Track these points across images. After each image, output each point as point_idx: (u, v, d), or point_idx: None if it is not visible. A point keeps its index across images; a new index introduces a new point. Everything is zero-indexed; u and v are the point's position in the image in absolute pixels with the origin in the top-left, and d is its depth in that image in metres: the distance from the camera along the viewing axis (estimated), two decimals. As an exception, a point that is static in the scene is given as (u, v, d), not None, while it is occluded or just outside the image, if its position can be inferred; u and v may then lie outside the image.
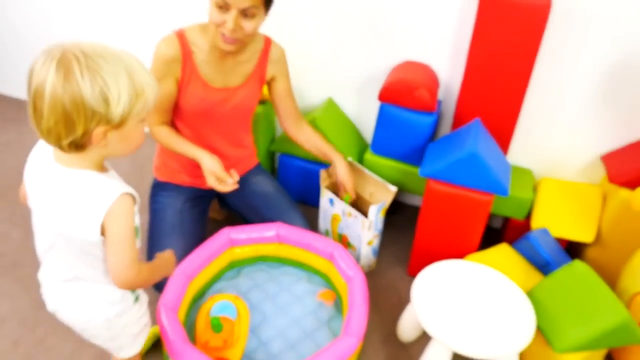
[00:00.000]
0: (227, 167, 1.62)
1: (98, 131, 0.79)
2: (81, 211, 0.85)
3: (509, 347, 1.16)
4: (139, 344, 1.14)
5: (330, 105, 1.92)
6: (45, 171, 0.88)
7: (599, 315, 1.22)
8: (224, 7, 1.26)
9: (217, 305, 1.39)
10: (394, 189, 1.59)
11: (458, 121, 1.71)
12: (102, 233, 0.87)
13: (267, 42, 1.51)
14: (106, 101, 0.77)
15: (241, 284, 1.56)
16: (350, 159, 1.72)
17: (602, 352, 1.33)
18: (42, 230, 0.94)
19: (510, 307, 1.25)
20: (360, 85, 1.90)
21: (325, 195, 1.71)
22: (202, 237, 1.60)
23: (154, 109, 1.44)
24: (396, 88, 1.62)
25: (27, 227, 1.81)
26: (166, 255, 1.08)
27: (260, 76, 1.51)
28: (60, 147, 0.81)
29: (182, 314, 1.37)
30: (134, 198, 0.88)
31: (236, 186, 1.41)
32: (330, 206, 1.71)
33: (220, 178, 1.39)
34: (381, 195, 1.63)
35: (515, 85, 1.58)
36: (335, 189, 1.76)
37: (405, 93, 1.61)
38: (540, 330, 1.28)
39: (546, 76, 1.64)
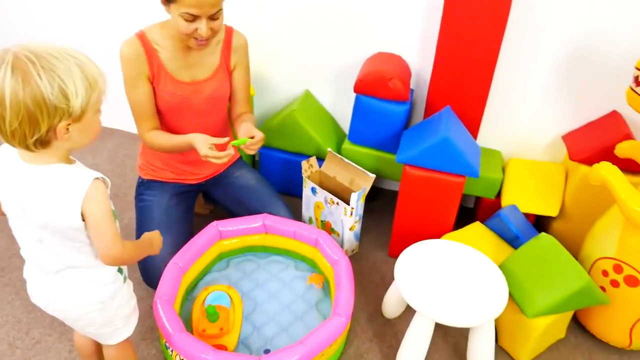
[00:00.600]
0: (208, 162, 1.66)
1: (61, 126, 0.84)
2: (60, 202, 0.90)
3: (485, 315, 1.27)
4: (131, 327, 1.17)
5: (308, 98, 1.98)
6: (15, 174, 0.92)
7: (564, 281, 1.34)
8: (192, 19, 1.31)
9: (211, 296, 1.45)
10: (372, 175, 1.67)
11: (430, 108, 1.80)
12: (83, 218, 0.92)
13: (229, 31, 1.55)
14: (65, 97, 0.83)
15: (231, 274, 1.63)
16: (329, 149, 1.79)
17: (568, 314, 1.45)
18: (23, 230, 0.98)
19: (484, 279, 1.36)
20: (336, 77, 1.97)
21: (308, 185, 1.79)
22: (190, 232, 1.65)
23: (140, 114, 1.48)
24: (370, 79, 1.70)
25: (10, 231, 1.81)
26: (151, 235, 1.13)
27: (226, 67, 1.55)
28: (27, 147, 0.86)
29: (177, 306, 1.43)
30: (105, 182, 0.94)
31: (232, 152, 1.40)
32: (313, 195, 1.79)
33: (213, 143, 1.39)
34: (361, 182, 1.72)
35: (482, 73, 1.68)
36: (317, 179, 1.83)
37: (380, 84, 1.69)
38: (512, 298, 1.39)
39: (510, 64, 1.74)
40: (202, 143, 1.40)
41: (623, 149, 1.50)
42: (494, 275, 1.37)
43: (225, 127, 1.70)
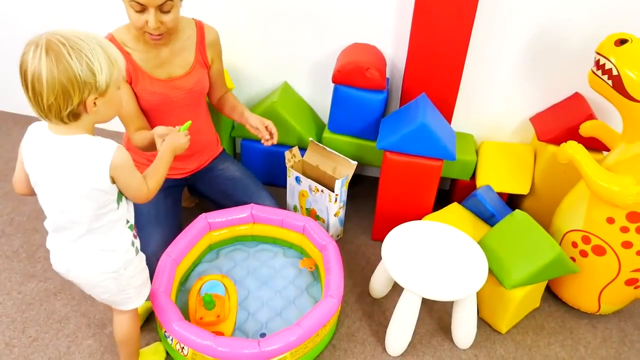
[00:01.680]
0: (195, 154, 1.70)
1: (90, 99, 0.96)
2: (90, 166, 1.01)
3: (468, 288, 1.36)
4: (143, 296, 1.27)
5: (286, 89, 2.03)
6: (47, 146, 1.02)
7: (538, 253, 1.44)
8: (141, 9, 1.33)
9: (206, 285, 1.50)
10: (354, 163, 1.74)
11: (405, 96, 1.88)
12: (112, 181, 1.05)
13: (200, 26, 1.57)
14: (93, 73, 0.95)
15: (222, 264, 1.67)
16: (311, 139, 1.85)
17: (542, 284, 1.56)
18: (50, 201, 1.08)
19: (465, 255, 1.45)
20: (313, 68, 2.02)
21: (292, 174, 1.84)
22: (179, 225, 1.68)
23: (124, 117, 1.49)
24: (348, 70, 1.76)
25: (-4, 234, 1.81)
26: (170, 141, 1.24)
27: (202, 61, 1.58)
28: (61, 119, 0.97)
29: (172, 297, 1.46)
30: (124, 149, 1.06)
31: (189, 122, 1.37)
32: (297, 184, 1.84)
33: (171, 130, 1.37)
34: (343, 169, 1.78)
35: (454, 61, 1.76)
36: (300, 168, 1.89)
37: (357, 74, 1.75)
38: (491, 272, 1.49)
39: (479, 51, 1.83)
40: (160, 131, 1.35)
41: (586, 129, 1.61)
42: (474, 252, 1.46)
43: (207, 118, 1.73)
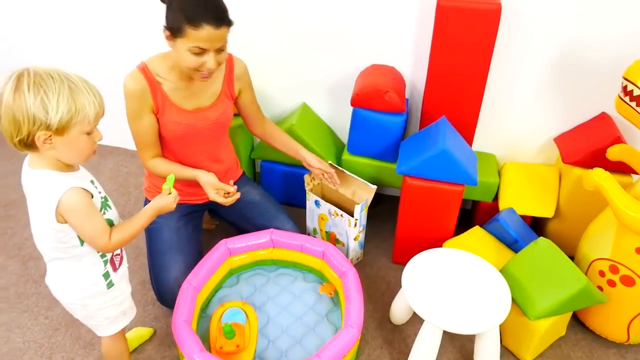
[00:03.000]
0: None
1: (40, 134, 0.98)
2: (39, 204, 1.06)
3: (490, 321, 1.33)
4: (115, 328, 1.29)
5: (305, 110, 2.03)
6: (24, 176, 1.09)
7: (563, 283, 1.41)
8: (200, 52, 1.34)
9: (227, 313, 1.50)
10: (374, 187, 1.73)
11: (425, 117, 1.86)
12: (62, 221, 1.06)
13: (229, 59, 1.58)
14: (45, 110, 0.96)
15: (242, 289, 1.68)
16: (330, 162, 1.84)
17: (568, 313, 1.52)
18: (32, 224, 1.14)
19: (488, 286, 1.42)
20: (332, 89, 2.02)
21: (311, 198, 1.84)
22: (200, 250, 1.69)
23: (143, 143, 1.52)
24: (367, 93, 1.74)
25: (23, 257, 1.86)
26: (156, 203, 1.22)
27: (229, 93, 1.59)
28: (14, 145, 1.01)
29: (193, 324, 1.48)
30: (85, 190, 1.07)
31: (238, 195, 1.51)
32: (317, 207, 1.84)
33: (221, 189, 1.50)
34: (363, 193, 1.77)
35: (475, 80, 1.73)
36: (320, 191, 1.88)
37: (376, 97, 1.74)
38: (515, 302, 1.46)
39: (501, 69, 1.79)
40: (210, 187, 1.49)
41: (614, 153, 1.56)
42: (496, 282, 1.43)
43: (229, 148, 1.74)
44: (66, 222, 1.06)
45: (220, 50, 1.37)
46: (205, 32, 1.30)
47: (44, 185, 1.04)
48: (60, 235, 1.08)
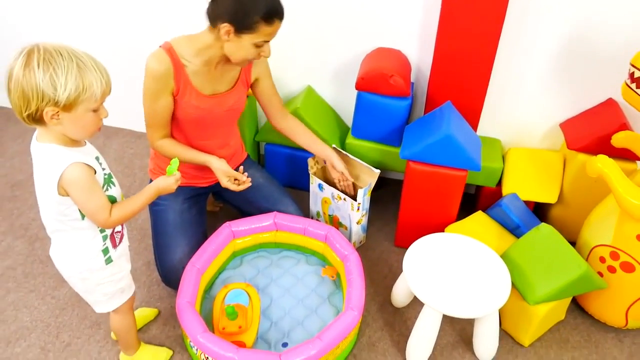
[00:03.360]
0: None
1: (47, 110, 0.99)
2: (44, 177, 1.08)
3: (489, 306, 1.35)
4: (113, 305, 1.31)
5: (310, 93, 2.02)
6: (32, 147, 1.11)
7: (563, 269, 1.42)
8: (262, 45, 1.41)
9: (230, 294, 1.53)
10: (377, 171, 1.73)
11: (431, 101, 1.85)
12: (63, 194, 1.08)
13: None
14: (54, 86, 0.98)
15: (246, 271, 1.70)
16: (334, 146, 1.84)
17: (568, 299, 1.53)
18: (37, 195, 1.15)
19: (488, 270, 1.43)
20: (337, 72, 2.00)
21: (315, 182, 1.84)
22: (204, 233, 1.71)
23: (154, 123, 1.52)
24: (372, 77, 1.73)
25: (30, 237, 1.88)
26: (158, 183, 1.23)
27: (245, 80, 1.61)
28: (23, 119, 1.03)
29: (197, 306, 1.50)
30: (88, 165, 1.09)
31: (249, 183, 1.55)
32: (320, 191, 1.85)
33: (233, 176, 1.54)
34: (366, 177, 1.77)
35: (481, 64, 1.71)
36: (323, 175, 1.89)
37: (381, 81, 1.73)
38: (514, 286, 1.47)
39: (508, 53, 1.77)
40: (222, 174, 1.53)
41: (619, 140, 1.55)
42: (497, 267, 1.44)
43: (237, 132, 1.77)
44: (68, 196, 1.08)
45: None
46: (275, 28, 1.40)
47: (48, 158, 1.06)
48: (62, 207, 1.11)
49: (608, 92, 1.76)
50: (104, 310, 1.31)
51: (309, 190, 1.93)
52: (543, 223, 1.52)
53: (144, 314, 1.61)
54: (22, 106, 1.00)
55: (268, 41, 1.43)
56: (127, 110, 2.34)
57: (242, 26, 1.37)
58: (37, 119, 1.02)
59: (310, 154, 1.91)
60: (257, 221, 1.71)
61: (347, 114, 2.08)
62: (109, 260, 1.24)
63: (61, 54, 0.98)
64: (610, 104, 1.75)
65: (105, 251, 1.22)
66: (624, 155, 1.62)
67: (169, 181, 1.24)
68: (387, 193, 2.13)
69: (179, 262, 1.58)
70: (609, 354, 1.55)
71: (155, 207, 1.70)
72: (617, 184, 1.36)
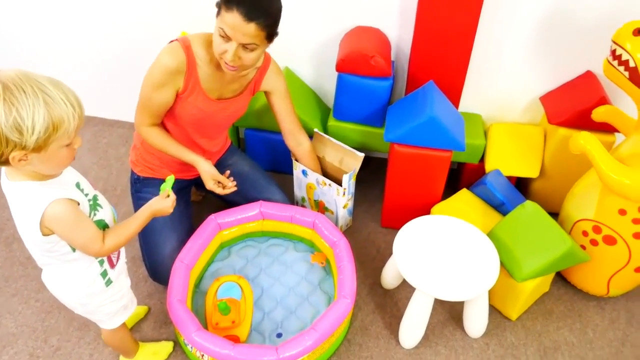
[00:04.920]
0: (205, 156, 1.67)
1: (14, 155, 0.89)
2: (22, 217, 0.99)
3: (479, 288, 1.37)
4: (117, 322, 1.28)
5: (288, 75, 1.97)
6: (3, 186, 1.02)
7: (549, 246, 1.45)
8: (225, 37, 1.29)
9: (222, 287, 1.52)
10: (361, 155, 1.71)
11: (412, 80, 1.82)
12: (48, 233, 1.00)
13: (267, 59, 1.54)
14: (20, 131, 0.86)
15: (235, 262, 1.69)
16: (316, 130, 1.81)
17: (552, 273, 1.58)
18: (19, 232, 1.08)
19: (477, 252, 1.46)
20: (315, 53, 1.95)
21: (298, 168, 1.82)
22: (191, 226, 1.68)
23: (147, 110, 1.45)
24: (352, 58, 1.69)
25: (6, 238, 1.82)
26: (152, 206, 1.16)
27: (252, 88, 1.56)
28: None
29: (188, 301, 1.49)
30: (71, 200, 1.00)
31: (235, 188, 1.53)
32: (304, 177, 1.82)
33: (219, 180, 1.52)
34: (350, 161, 1.76)
35: (462, 41, 1.69)
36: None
37: (362, 62, 1.69)
38: (502, 264, 1.50)
39: (488, 28, 1.75)
40: (209, 177, 1.51)
41: (599, 114, 1.57)
42: (485, 248, 1.47)
43: (225, 139, 1.76)
44: (53, 234, 1.01)
45: (245, 47, 1.30)
46: (233, 19, 1.24)
47: (25, 198, 0.97)
48: (48, 245, 1.03)
49: (586, 64, 1.77)
50: (108, 327, 1.28)
51: (291, 174, 1.91)
52: (528, 201, 1.54)
53: (135, 312, 1.58)
54: None
55: (230, 37, 1.28)
56: (98, 97, 2.25)
57: (217, 5, 1.29)
58: (2, 162, 0.91)
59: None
60: (242, 211, 1.68)
61: (327, 94, 2.04)
62: (108, 282, 1.19)
63: (24, 90, 0.85)
64: (588, 76, 1.76)
65: (104, 274, 1.17)
66: (603, 128, 1.65)
67: (165, 204, 1.17)
68: (370, 173, 2.12)
69: (168, 258, 1.56)
70: (591, 321, 1.62)
71: (141, 201, 1.64)
72: (600, 160, 1.38)
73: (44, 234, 1.00)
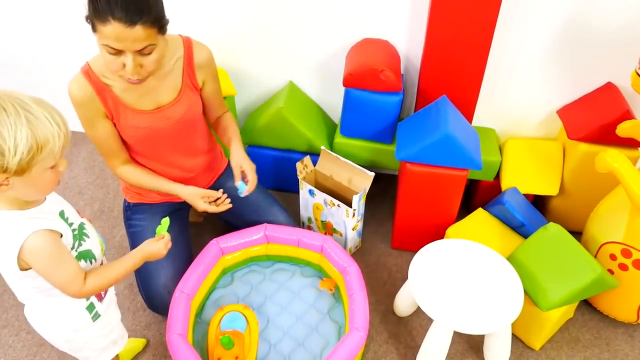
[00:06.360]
0: (198, 176, 1.58)
1: None
2: (0, 250, 0.90)
3: (502, 320, 1.27)
4: (106, 357, 1.19)
5: (293, 90, 1.88)
6: None
7: (576, 272, 1.35)
8: (115, 52, 1.14)
9: (226, 318, 1.42)
10: (371, 174, 1.62)
11: (422, 94, 1.73)
12: (26, 267, 0.92)
13: (188, 46, 1.37)
14: (1, 152, 0.81)
15: (238, 289, 1.59)
16: (323, 147, 1.72)
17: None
18: None
19: (499, 279, 1.35)
20: (320, 66, 1.87)
21: (305, 187, 1.73)
22: (189, 251, 1.59)
23: (104, 150, 1.38)
24: (360, 72, 1.61)
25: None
26: (144, 249, 1.09)
27: (192, 85, 1.40)
28: None
29: (189, 335, 1.39)
30: (52, 231, 0.92)
31: (230, 206, 1.42)
32: (311, 197, 1.73)
33: (208, 196, 1.40)
34: (359, 180, 1.66)
35: (476, 53, 1.61)
36: (313, 178, 1.77)
37: (371, 77, 1.61)
38: (525, 292, 1.40)
39: (502, 39, 1.67)
40: (196, 198, 1.39)
41: (625, 130, 1.47)
42: (507, 276, 1.37)
43: (208, 139, 1.58)
44: (30, 268, 0.92)
45: (142, 52, 1.15)
46: (115, 30, 1.08)
47: (2, 229, 0.89)
48: (27, 280, 0.95)
49: (607, 76, 1.68)
50: None
51: (297, 192, 1.82)
52: (551, 222, 1.44)
53: (132, 345, 1.48)
54: None
55: (120, 50, 1.12)
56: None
57: (89, 22, 1.13)
58: None
59: (298, 158, 1.79)
60: (246, 235, 1.58)
61: (333, 109, 1.96)
62: (96, 317, 1.10)
63: (4, 109, 0.80)
64: (609, 88, 1.67)
65: (91, 307, 1.08)
66: (626, 142, 1.56)
67: (158, 246, 1.09)
68: (378, 190, 2.03)
69: (164, 288, 1.46)
70: (620, 350, 1.51)
71: (132, 229, 1.56)
72: (630, 179, 1.29)
73: (22, 268, 0.92)
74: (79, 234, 1.01)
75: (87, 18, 1.13)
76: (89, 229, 1.06)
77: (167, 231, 1.15)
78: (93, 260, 1.04)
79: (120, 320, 1.23)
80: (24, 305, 1.07)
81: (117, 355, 1.26)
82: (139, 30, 1.11)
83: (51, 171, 0.89)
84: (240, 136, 1.53)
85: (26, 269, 0.92)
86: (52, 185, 0.92)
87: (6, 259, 0.90)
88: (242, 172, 1.46)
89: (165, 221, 1.12)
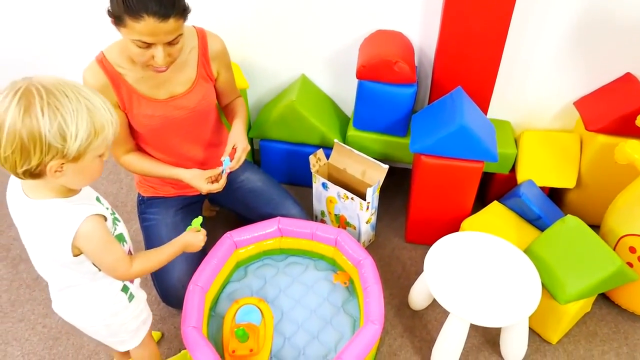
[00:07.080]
0: (209, 169, 1.58)
1: (53, 164, 0.84)
2: (52, 238, 0.92)
3: (521, 312, 1.26)
4: (139, 338, 1.22)
5: (305, 83, 1.87)
6: (18, 205, 0.94)
7: (595, 265, 1.33)
8: (145, 45, 1.16)
9: (241, 311, 1.42)
10: (385, 167, 1.61)
11: (436, 86, 1.72)
12: (77, 253, 0.95)
13: (202, 36, 1.38)
14: (63, 138, 0.82)
15: (252, 283, 1.58)
16: (336, 140, 1.71)
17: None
18: (32, 255, 1.03)
19: (516, 272, 1.34)
20: (333, 58, 1.85)
21: (318, 181, 1.72)
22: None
23: (113, 144, 1.36)
24: (374, 64, 1.59)
25: (13, 259, 1.73)
26: (186, 238, 1.15)
27: (207, 75, 1.40)
28: (16, 175, 0.86)
29: (204, 327, 1.39)
30: (100, 215, 0.95)
31: (224, 181, 1.40)
32: (324, 190, 1.72)
33: (210, 177, 1.39)
34: (373, 173, 1.65)
35: (491, 44, 1.58)
36: (326, 171, 1.76)
37: (384, 69, 1.59)
38: (543, 285, 1.38)
39: (518, 29, 1.64)
40: (198, 180, 1.37)
41: (645, 120, 1.45)
42: (525, 267, 1.35)
43: (218, 129, 1.57)
44: (82, 254, 0.96)
45: (172, 43, 1.19)
46: (148, 26, 1.11)
47: (54, 217, 0.91)
48: (76, 266, 0.98)
49: (625, 66, 1.65)
50: (130, 347, 1.21)
51: (310, 186, 1.81)
52: (569, 215, 1.42)
53: None
54: (17, 161, 0.82)
55: (152, 43, 1.16)
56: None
57: (115, 18, 1.15)
58: (36, 173, 0.85)
59: (311, 151, 1.78)
60: (260, 228, 1.58)
61: (346, 102, 1.94)
62: (131, 297, 1.14)
63: (67, 95, 0.81)
64: (628, 79, 1.64)
65: (126, 289, 1.12)
66: (645, 134, 1.53)
67: (198, 238, 1.16)
68: (391, 184, 2.01)
69: (178, 282, 1.46)
70: (639, 344, 1.49)
71: (146, 222, 1.56)
72: (651, 171, 1.26)
73: (74, 255, 0.94)
74: (115, 219, 1.04)
75: (111, 13, 1.15)
76: (118, 215, 1.09)
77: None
78: (125, 244, 1.07)
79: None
80: (58, 297, 1.09)
81: (151, 336, 1.29)
82: (171, 24, 1.14)
83: (99, 160, 0.91)
84: (245, 119, 1.52)
85: (77, 255, 0.95)
86: (98, 174, 0.93)
87: (59, 246, 0.92)
88: (234, 150, 1.44)
89: (198, 219, 1.18)
